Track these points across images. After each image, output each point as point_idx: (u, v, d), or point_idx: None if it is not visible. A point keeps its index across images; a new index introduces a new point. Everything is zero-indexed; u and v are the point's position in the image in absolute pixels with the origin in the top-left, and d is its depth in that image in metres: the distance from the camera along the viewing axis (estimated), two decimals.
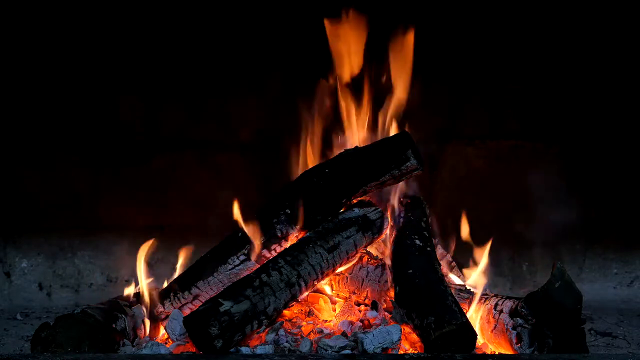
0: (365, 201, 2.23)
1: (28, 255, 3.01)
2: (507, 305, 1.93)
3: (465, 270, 2.33)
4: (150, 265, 2.66)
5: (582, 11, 2.88)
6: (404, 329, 1.89)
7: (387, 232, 2.24)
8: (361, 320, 2.06)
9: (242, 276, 2.02)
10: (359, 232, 2.12)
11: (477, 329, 1.94)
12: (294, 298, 1.97)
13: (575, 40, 2.93)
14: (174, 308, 2.10)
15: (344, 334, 1.93)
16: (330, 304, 2.18)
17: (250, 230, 2.11)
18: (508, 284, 3.03)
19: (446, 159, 3.01)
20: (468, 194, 3.01)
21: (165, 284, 2.23)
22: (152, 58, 2.92)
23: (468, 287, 2.17)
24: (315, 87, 2.49)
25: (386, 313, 2.09)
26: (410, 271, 1.99)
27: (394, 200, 2.37)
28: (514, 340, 1.84)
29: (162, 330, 2.11)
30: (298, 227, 2.15)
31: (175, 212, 3.01)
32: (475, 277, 2.23)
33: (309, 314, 2.12)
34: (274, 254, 2.12)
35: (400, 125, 2.36)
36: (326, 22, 2.42)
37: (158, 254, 2.95)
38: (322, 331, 1.99)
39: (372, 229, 2.16)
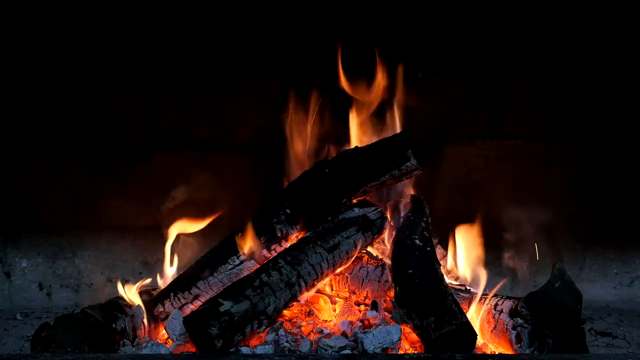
0: (365, 201, 2.23)
1: (28, 255, 3.01)
2: (507, 305, 1.93)
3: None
4: (150, 265, 2.67)
5: (582, 11, 2.88)
6: (404, 329, 1.89)
7: (387, 232, 2.24)
8: (361, 320, 2.06)
9: (242, 276, 2.02)
10: (359, 232, 2.12)
11: (477, 329, 1.94)
12: (294, 298, 1.97)
13: (575, 40, 2.92)
14: (174, 308, 2.10)
15: (344, 334, 1.93)
16: (330, 304, 2.18)
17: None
18: (508, 284, 3.03)
19: (446, 159, 3.01)
20: (468, 194, 3.01)
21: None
22: (152, 58, 2.92)
23: (468, 287, 2.17)
24: (315, 87, 2.50)
25: (386, 313, 2.08)
26: (410, 271, 1.99)
27: (394, 200, 2.37)
28: (514, 340, 1.84)
29: (162, 330, 2.11)
30: (298, 227, 2.16)
31: (175, 212, 3.00)
32: (475, 277, 2.23)
33: (309, 314, 2.12)
34: (274, 254, 2.12)
35: (400, 125, 2.36)
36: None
37: (158, 254, 2.96)
38: (322, 331, 1.99)
39: (372, 229, 2.16)
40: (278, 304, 1.90)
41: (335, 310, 2.17)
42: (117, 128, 2.98)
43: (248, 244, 2.13)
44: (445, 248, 2.42)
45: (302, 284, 1.97)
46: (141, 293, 2.19)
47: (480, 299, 2.05)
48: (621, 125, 3.00)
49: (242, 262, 2.13)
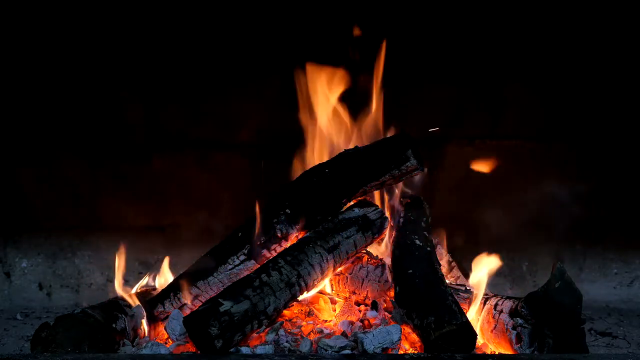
0: (365, 201, 2.23)
1: (28, 255, 3.01)
2: (507, 305, 1.93)
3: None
4: (150, 265, 2.67)
5: (582, 11, 2.88)
6: (404, 329, 1.89)
7: (387, 232, 2.24)
8: (361, 320, 2.06)
9: (242, 276, 2.02)
10: (359, 232, 2.12)
11: (477, 329, 1.94)
12: (294, 298, 1.97)
13: (575, 40, 2.93)
14: (174, 308, 2.10)
15: (344, 334, 1.93)
16: (330, 304, 2.18)
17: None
18: (508, 284, 3.03)
19: (446, 159, 3.01)
20: (468, 194, 3.01)
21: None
22: (152, 58, 2.92)
23: (468, 287, 2.17)
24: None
25: (386, 313, 2.08)
26: (410, 271, 1.99)
27: (394, 200, 2.37)
28: (514, 340, 1.84)
29: (162, 330, 2.11)
30: (298, 227, 2.16)
31: (175, 212, 3.01)
32: (475, 277, 2.23)
33: (309, 314, 2.12)
34: (274, 254, 2.12)
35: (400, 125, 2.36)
36: None
37: (158, 254, 2.96)
38: (322, 331, 1.99)
39: (372, 229, 2.16)
40: (278, 304, 1.90)
41: (335, 310, 2.17)
42: (117, 128, 2.98)
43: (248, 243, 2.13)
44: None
45: (302, 284, 1.97)
46: (141, 293, 2.19)
47: (480, 299, 2.05)
48: (621, 125, 3.00)
49: (242, 262, 2.13)
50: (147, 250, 2.98)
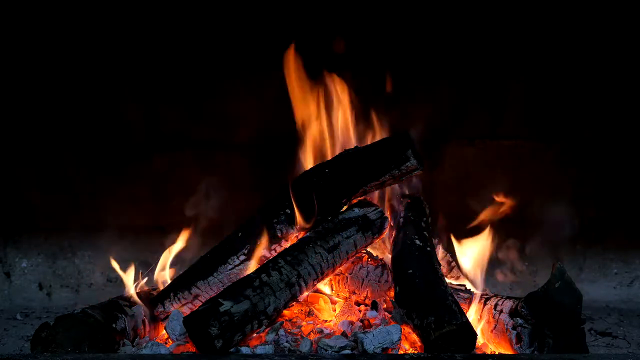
0: (365, 201, 2.23)
1: (28, 255, 3.01)
2: (507, 305, 1.93)
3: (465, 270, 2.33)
4: (150, 265, 2.66)
5: (582, 12, 2.88)
6: (404, 329, 1.89)
7: (387, 232, 2.24)
8: (361, 320, 2.06)
9: (242, 276, 2.02)
10: (359, 232, 2.12)
11: (477, 329, 1.94)
12: (294, 298, 1.97)
13: (575, 41, 2.92)
14: (174, 308, 2.10)
15: (344, 334, 1.93)
16: (330, 304, 2.18)
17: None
18: (508, 284, 3.03)
19: (446, 159, 3.01)
20: (468, 194, 3.01)
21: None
22: (152, 58, 2.92)
23: (468, 287, 2.17)
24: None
25: (386, 313, 2.09)
26: (410, 271, 1.99)
27: (394, 200, 2.37)
28: (514, 340, 1.84)
29: (162, 330, 2.11)
30: (298, 227, 2.16)
31: (175, 212, 3.00)
32: (475, 277, 2.23)
33: (309, 314, 2.12)
34: (274, 254, 2.12)
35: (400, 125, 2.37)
36: None
37: (158, 254, 2.95)
38: (322, 331, 1.99)
39: (372, 229, 2.16)
40: (278, 304, 1.90)
41: (335, 310, 2.17)
42: (117, 128, 2.98)
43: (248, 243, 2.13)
44: (446, 247, 2.43)
45: (302, 284, 1.97)
46: (141, 293, 2.19)
47: (480, 299, 2.05)
48: (621, 125, 3.00)
49: (242, 262, 2.13)
50: (147, 250, 2.98)
